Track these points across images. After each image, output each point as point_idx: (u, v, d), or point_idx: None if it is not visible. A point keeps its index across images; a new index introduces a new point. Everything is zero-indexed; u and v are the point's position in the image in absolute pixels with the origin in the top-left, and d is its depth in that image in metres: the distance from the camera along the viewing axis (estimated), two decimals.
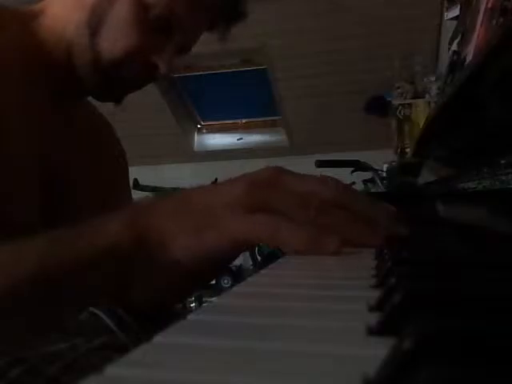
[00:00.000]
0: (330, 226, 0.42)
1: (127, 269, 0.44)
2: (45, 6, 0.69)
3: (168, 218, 0.43)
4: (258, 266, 3.79)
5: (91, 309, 0.55)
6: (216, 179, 2.41)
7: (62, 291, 0.44)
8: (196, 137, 4.41)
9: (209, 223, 0.42)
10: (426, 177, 1.16)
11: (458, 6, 1.66)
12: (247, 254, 3.83)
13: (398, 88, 2.92)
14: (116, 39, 0.65)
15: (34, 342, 0.48)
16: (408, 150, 2.74)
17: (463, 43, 1.17)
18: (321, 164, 2.59)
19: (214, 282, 3.65)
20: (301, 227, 0.41)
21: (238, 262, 3.98)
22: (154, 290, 0.48)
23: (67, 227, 0.44)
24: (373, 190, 2.88)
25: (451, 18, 1.86)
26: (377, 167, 2.84)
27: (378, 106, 3.42)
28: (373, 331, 0.20)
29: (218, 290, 3.32)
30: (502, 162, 0.50)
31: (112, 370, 0.17)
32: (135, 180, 3.47)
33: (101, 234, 0.43)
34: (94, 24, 0.65)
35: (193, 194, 0.45)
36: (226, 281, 3.91)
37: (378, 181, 2.75)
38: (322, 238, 0.41)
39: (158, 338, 0.20)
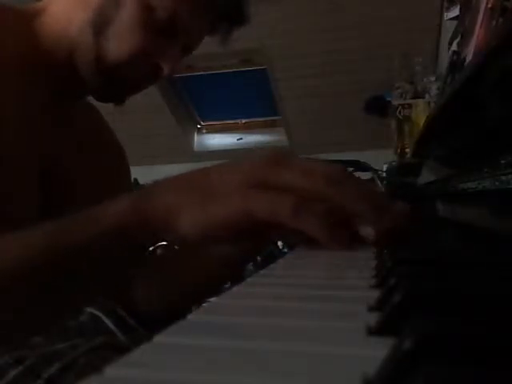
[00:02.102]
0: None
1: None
2: (46, 4, 0.69)
3: (171, 195, 0.44)
4: (258, 266, 3.78)
5: (91, 310, 0.55)
6: None
7: (66, 276, 0.45)
8: (196, 137, 4.40)
9: (213, 198, 0.42)
10: (426, 177, 1.16)
11: (458, 6, 1.66)
12: None
13: (398, 88, 2.91)
14: (121, 40, 0.65)
15: (34, 332, 0.48)
16: (408, 150, 2.74)
17: (463, 43, 1.17)
18: None
19: None
20: (305, 209, 0.41)
21: None
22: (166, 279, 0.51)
23: (73, 213, 0.45)
24: None
25: (451, 18, 1.86)
26: (377, 167, 2.84)
27: (378, 106, 3.41)
28: (373, 331, 0.20)
29: None
30: (502, 161, 0.50)
31: (112, 371, 0.17)
32: (135, 180, 3.46)
33: (106, 217, 0.44)
34: (99, 24, 0.65)
35: (194, 173, 0.46)
36: None
37: (378, 181, 2.75)
38: (323, 227, 0.41)
39: (158, 338, 0.20)
